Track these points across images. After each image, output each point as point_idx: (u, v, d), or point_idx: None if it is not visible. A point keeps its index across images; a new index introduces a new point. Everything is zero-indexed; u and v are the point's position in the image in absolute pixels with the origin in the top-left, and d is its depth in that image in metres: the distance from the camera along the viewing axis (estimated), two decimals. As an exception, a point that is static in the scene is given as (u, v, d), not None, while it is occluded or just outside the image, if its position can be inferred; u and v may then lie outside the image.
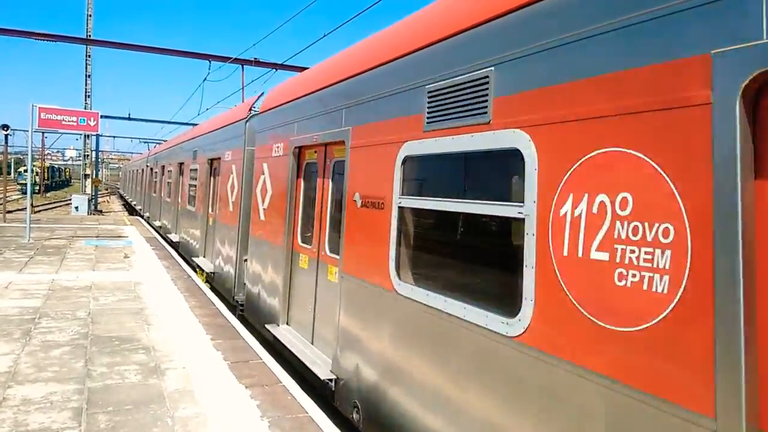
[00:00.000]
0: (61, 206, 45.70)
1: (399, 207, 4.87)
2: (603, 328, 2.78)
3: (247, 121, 10.46)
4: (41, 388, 5.70)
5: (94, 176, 38.95)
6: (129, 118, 43.72)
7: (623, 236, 2.70)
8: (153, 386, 5.89)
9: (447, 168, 4.58)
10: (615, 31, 2.81)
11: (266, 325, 8.06)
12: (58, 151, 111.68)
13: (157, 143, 46.68)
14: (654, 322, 2.54)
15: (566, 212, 3.05)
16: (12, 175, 73.04)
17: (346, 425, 5.75)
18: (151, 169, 29.80)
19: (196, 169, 15.60)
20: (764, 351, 2.19)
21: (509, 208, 3.54)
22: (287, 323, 7.87)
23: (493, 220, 4.03)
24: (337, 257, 6.25)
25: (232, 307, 10.29)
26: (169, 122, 45.39)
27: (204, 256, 14.09)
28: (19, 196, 53.91)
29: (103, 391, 5.68)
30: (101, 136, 46.47)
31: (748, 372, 2.18)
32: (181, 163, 18.84)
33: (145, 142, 61.05)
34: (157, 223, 23.85)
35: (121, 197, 65.40)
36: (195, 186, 15.66)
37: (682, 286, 2.43)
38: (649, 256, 2.58)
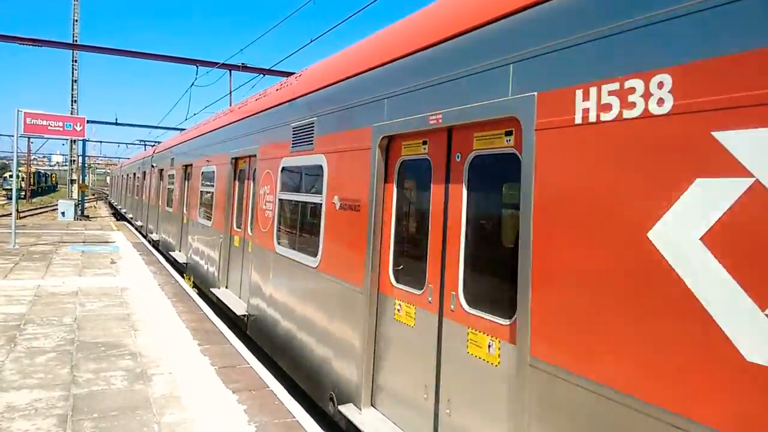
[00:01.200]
0: (47, 212, 45.24)
1: None
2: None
3: None
4: (26, 394, 5.66)
5: (80, 181, 38.64)
6: (116, 123, 43.47)
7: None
8: (139, 392, 5.86)
9: None
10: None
11: None
12: (44, 157, 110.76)
13: (155, 143, 41.77)
14: None
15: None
16: (-3, 180, 72.35)
17: (335, 430, 5.76)
18: (160, 171, 21.21)
19: (293, 172, 7.58)
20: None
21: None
22: None
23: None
24: None
25: (221, 312, 10.21)
26: (156, 127, 45.07)
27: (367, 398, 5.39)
28: (5, 202, 53.36)
29: (88, 398, 5.64)
30: (88, 141, 46.06)
31: None
32: (239, 160, 10.54)
33: (142, 143, 52.35)
34: (179, 257, 15.06)
35: (111, 206, 57.11)
36: (289, 204, 7.62)
37: None
38: None
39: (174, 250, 15.50)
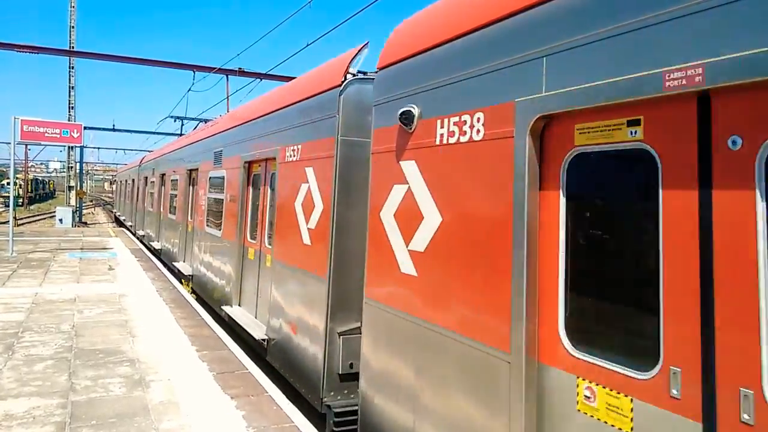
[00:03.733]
0: (45, 219, 45.21)
1: None
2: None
3: None
4: (24, 402, 5.65)
5: (78, 188, 38.61)
6: (113, 129, 43.39)
7: None
8: (137, 399, 5.86)
9: None
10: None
11: None
12: (41, 163, 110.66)
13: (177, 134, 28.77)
14: None
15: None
16: (-5, 187, 72.28)
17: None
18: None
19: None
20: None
21: None
22: None
23: None
24: None
25: (219, 317, 10.21)
26: (153, 132, 45.03)
27: None
28: (2, 210, 53.28)
29: (86, 405, 5.64)
30: (85, 147, 45.95)
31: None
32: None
33: (177, 118, 36.34)
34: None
35: (118, 220, 41.43)
36: None
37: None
38: None
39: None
